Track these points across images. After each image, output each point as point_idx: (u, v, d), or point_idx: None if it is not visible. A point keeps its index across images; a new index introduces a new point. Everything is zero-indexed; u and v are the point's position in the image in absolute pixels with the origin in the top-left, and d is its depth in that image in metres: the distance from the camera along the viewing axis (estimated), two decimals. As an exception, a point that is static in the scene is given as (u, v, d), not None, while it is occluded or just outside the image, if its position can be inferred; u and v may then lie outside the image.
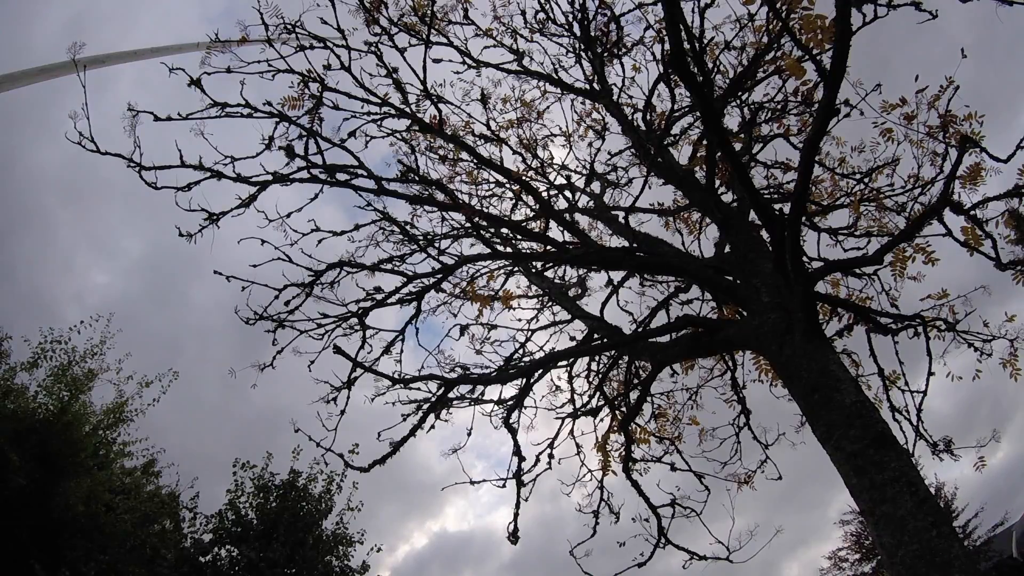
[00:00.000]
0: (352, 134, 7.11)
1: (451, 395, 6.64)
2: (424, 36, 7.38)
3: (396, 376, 6.53)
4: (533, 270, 8.23)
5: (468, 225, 7.28)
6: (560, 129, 9.19)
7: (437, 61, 8.29)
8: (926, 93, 5.78)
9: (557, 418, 7.52)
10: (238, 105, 6.65)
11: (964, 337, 6.71)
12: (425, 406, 6.58)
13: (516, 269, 8.44)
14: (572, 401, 7.96)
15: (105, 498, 10.57)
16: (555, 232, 7.71)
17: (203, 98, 6.48)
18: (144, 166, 6.15)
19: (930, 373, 6.61)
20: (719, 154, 5.78)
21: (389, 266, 7.28)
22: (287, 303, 7.02)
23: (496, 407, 7.26)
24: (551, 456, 7.34)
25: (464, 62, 8.48)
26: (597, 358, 8.03)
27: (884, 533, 3.90)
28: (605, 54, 8.30)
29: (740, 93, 7.21)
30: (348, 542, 13.19)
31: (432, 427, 6.63)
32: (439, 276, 6.93)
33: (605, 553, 6.84)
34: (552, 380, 8.15)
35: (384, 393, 6.75)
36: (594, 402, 7.56)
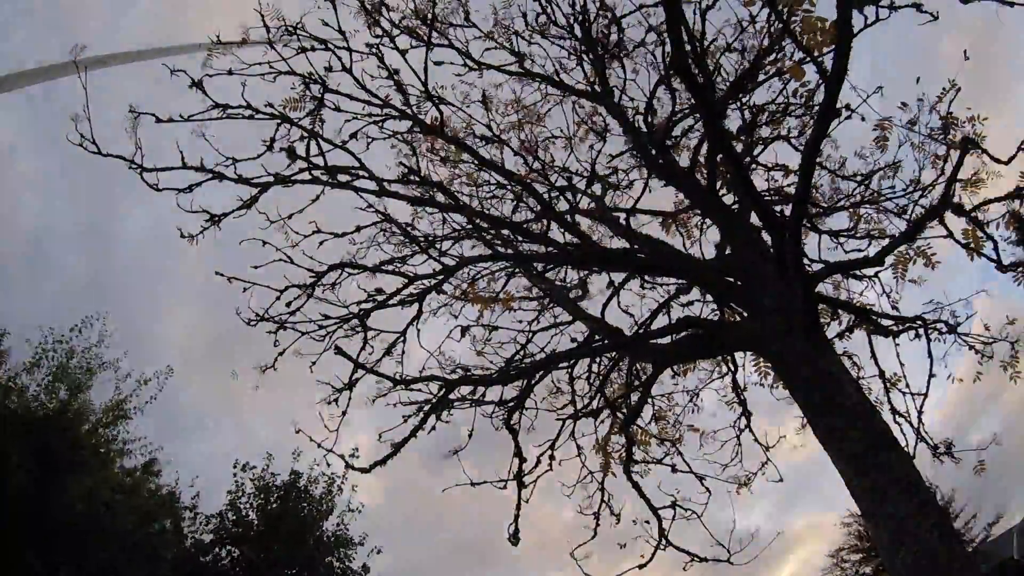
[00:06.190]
0: (354, 136, 7.12)
1: (452, 396, 6.63)
2: (425, 38, 7.39)
3: (397, 377, 6.54)
4: (534, 271, 8.20)
5: (469, 226, 7.28)
6: (561, 131, 9.15)
7: (438, 63, 8.27)
8: (927, 95, 5.78)
9: (558, 419, 7.51)
10: (239, 107, 6.67)
11: (965, 339, 6.71)
12: (426, 407, 6.58)
13: (517, 270, 8.42)
14: (573, 403, 7.94)
15: (105, 496, 10.58)
16: (556, 234, 7.71)
17: (204, 99, 6.51)
18: (146, 167, 6.15)
19: (931, 375, 6.62)
20: (720, 156, 5.78)
21: (390, 267, 7.28)
22: (288, 304, 7.03)
23: (497, 408, 7.26)
24: (552, 457, 7.34)
25: (465, 64, 8.46)
26: (598, 360, 8.01)
27: (885, 535, 3.91)
28: (606, 56, 8.30)
29: (741, 95, 7.20)
30: (349, 543, 13.20)
31: (433, 428, 6.63)
32: (440, 277, 6.93)
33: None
34: (553, 382, 8.14)
35: (385, 394, 6.75)
36: (595, 404, 7.55)
